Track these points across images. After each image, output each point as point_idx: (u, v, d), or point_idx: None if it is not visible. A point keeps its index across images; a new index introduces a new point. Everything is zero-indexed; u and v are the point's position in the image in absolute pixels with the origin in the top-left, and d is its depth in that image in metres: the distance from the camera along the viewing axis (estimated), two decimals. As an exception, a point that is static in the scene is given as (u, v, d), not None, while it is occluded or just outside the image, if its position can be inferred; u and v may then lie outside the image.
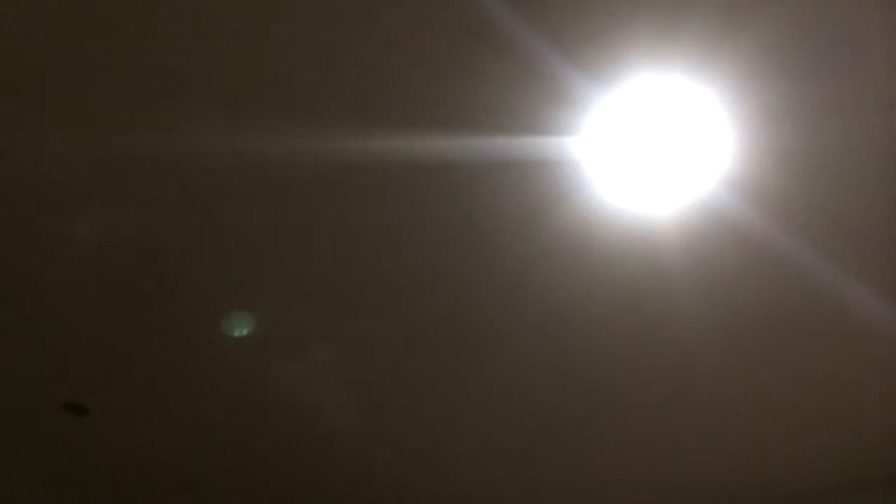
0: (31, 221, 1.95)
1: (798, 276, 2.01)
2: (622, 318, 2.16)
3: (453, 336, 2.23)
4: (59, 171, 1.82)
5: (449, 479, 2.88)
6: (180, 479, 2.99)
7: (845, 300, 2.06)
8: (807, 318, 2.14)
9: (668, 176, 1.84)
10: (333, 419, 2.63)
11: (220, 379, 2.46)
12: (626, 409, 2.48)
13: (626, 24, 1.51)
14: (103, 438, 2.73)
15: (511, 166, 1.79)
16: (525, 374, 2.35)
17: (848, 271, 1.98)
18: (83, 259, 2.06)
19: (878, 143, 1.70)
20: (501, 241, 1.97)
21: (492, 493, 2.96)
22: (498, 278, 2.06)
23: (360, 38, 1.56)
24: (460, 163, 1.79)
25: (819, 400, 2.40)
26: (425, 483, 2.93)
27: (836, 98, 1.64)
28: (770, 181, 1.80)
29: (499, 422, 2.56)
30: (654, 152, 1.80)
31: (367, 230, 1.95)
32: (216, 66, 1.60)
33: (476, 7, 1.48)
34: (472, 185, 1.84)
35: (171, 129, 1.72)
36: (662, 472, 2.77)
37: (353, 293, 2.12)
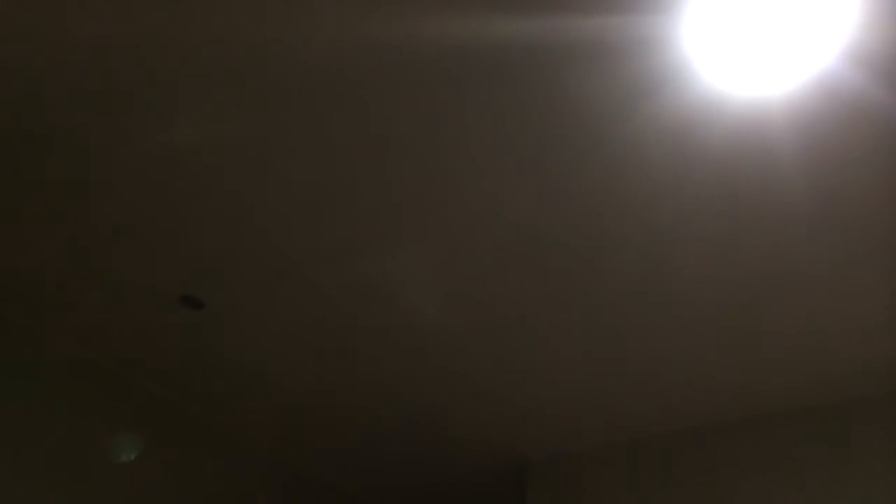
0: (136, 120, 2.02)
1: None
2: (718, 198, 2.05)
3: (545, 218, 2.19)
4: (160, 61, 1.86)
5: (538, 377, 2.91)
6: (286, 375, 3.14)
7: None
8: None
9: (780, 52, 1.69)
10: (430, 325, 2.70)
11: (325, 282, 2.55)
12: (717, 289, 2.38)
13: None
14: (216, 331, 2.89)
15: (609, 47, 1.70)
16: (616, 256, 2.30)
17: None
18: (188, 159, 2.13)
19: None
20: (599, 126, 1.89)
21: (577, 392, 2.98)
22: (594, 165, 1.99)
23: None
24: (558, 45, 1.70)
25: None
26: (515, 390, 2.99)
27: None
28: (899, 52, 1.63)
29: (587, 305, 2.51)
30: (764, 26, 1.65)
31: (468, 117, 1.91)
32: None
33: None
34: (569, 68, 1.76)
35: (270, 14, 1.71)
36: (753, 350, 2.67)
37: (448, 183, 2.11)
